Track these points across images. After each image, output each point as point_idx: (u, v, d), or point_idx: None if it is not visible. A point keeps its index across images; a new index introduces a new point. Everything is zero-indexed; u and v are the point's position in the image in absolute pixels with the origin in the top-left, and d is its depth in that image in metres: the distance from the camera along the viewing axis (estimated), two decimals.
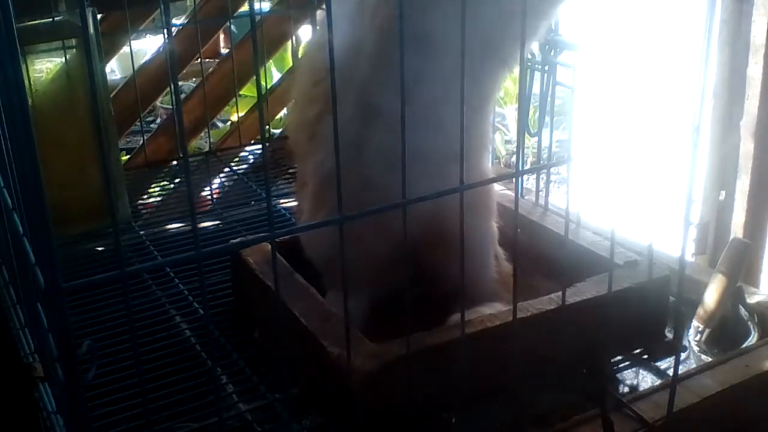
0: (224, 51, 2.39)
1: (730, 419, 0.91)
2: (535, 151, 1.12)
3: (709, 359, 0.98)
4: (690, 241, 1.72)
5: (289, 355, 0.71)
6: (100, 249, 1.23)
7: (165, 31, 1.21)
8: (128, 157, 1.62)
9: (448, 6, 0.74)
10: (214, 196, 1.45)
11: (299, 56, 1.73)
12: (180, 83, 2.23)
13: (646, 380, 0.93)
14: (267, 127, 1.66)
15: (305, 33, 1.75)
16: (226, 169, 1.58)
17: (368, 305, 0.93)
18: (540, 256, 0.98)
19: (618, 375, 0.93)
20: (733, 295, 1.04)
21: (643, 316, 0.88)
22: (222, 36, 2.37)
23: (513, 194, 1.02)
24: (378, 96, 0.84)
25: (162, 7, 1.47)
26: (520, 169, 0.72)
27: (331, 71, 0.60)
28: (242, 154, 1.64)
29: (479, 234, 0.92)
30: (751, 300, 1.07)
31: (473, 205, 0.81)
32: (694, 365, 0.96)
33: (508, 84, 2.36)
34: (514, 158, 0.79)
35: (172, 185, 1.52)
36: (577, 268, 0.86)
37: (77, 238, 1.22)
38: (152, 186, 1.52)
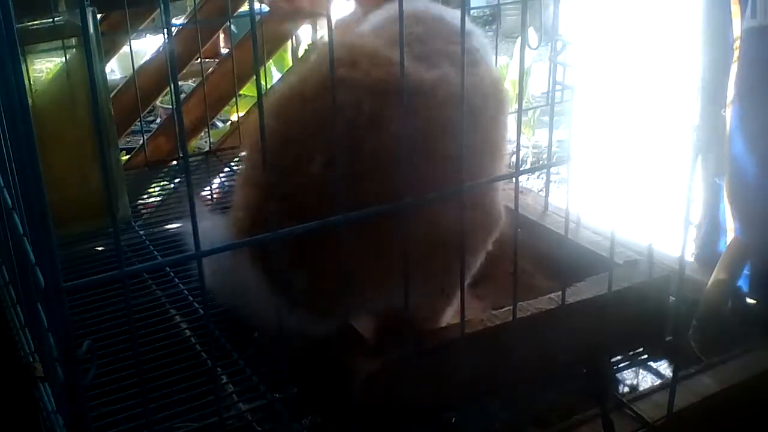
0: (224, 51, 2.39)
1: (730, 419, 0.91)
2: (536, 151, 1.12)
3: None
4: (690, 241, 1.72)
5: (289, 355, 0.71)
6: (100, 249, 1.23)
7: (165, 31, 1.20)
8: (128, 157, 1.62)
9: None
10: (214, 196, 1.44)
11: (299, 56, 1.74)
12: (180, 83, 2.23)
13: (646, 380, 0.93)
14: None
15: (305, 33, 1.75)
16: (226, 169, 1.57)
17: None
18: (540, 256, 0.98)
19: (618, 375, 0.93)
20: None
21: (643, 316, 0.88)
22: (222, 36, 2.37)
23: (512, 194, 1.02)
24: None
25: (162, 7, 1.47)
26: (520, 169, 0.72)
27: (331, 70, 0.60)
28: (242, 154, 1.63)
29: None
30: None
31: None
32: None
33: (507, 86, 2.36)
34: (513, 158, 0.79)
35: (172, 185, 1.52)
36: (577, 268, 0.86)
37: (77, 238, 1.22)
38: (152, 186, 1.52)
